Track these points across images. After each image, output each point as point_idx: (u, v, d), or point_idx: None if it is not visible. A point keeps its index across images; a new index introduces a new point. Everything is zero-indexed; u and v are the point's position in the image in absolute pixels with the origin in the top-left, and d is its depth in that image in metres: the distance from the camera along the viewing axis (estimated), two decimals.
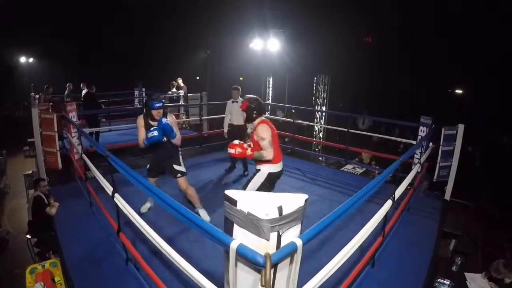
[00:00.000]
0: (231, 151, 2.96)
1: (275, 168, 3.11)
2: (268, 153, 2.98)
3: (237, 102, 5.28)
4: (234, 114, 5.33)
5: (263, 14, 9.46)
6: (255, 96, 3.22)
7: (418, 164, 4.09)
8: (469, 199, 5.84)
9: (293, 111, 9.57)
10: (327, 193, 4.88)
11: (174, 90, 9.60)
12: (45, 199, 4.05)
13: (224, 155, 6.41)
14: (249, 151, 2.97)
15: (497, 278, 3.28)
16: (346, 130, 5.80)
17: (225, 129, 5.45)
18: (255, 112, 3.11)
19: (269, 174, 3.10)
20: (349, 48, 10.27)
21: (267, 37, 9.14)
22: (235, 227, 1.42)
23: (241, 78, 16.21)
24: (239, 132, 5.14)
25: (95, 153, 4.15)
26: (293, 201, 1.42)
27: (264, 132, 3.01)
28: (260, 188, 3.09)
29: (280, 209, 1.34)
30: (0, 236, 5.98)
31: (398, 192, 2.86)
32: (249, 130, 4.26)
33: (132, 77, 11.94)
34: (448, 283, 3.19)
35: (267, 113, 10.06)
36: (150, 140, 3.30)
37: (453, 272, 3.53)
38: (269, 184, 3.14)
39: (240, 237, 1.39)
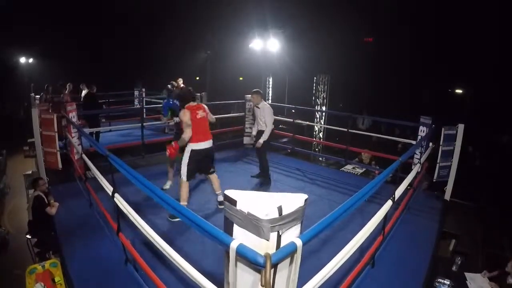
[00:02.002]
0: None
1: (196, 146, 3.73)
2: (185, 134, 3.65)
3: (258, 107, 4.83)
4: (256, 119, 4.98)
5: (263, 14, 9.46)
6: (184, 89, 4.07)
7: (418, 164, 4.09)
8: (469, 199, 5.83)
9: (293, 111, 9.57)
10: (327, 193, 4.88)
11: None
12: (45, 198, 4.05)
13: (224, 155, 6.42)
14: (173, 145, 3.84)
15: (508, 273, 3.30)
16: (346, 130, 5.80)
17: (253, 132, 5.16)
18: (180, 102, 3.93)
19: (192, 151, 3.73)
20: (349, 48, 10.26)
21: (267, 37, 9.14)
22: (235, 227, 1.42)
23: (241, 78, 16.23)
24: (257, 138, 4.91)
25: (95, 153, 4.16)
26: (293, 201, 1.43)
27: (182, 116, 3.67)
28: (189, 164, 3.75)
29: (280, 209, 1.35)
30: (0, 236, 5.98)
31: (398, 192, 2.86)
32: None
33: (132, 77, 11.94)
34: (448, 283, 3.19)
35: None
36: None
37: (453, 272, 3.53)
38: (195, 160, 3.78)
39: (240, 237, 1.39)
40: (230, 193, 1.44)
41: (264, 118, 4.75)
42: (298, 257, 1.41)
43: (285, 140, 8.28)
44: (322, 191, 4.95)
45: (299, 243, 1.38)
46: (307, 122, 8.47)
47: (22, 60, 14.84)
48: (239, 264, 1.39)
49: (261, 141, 4.79)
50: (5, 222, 6.79)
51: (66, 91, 8.76)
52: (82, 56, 13.97)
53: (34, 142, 4.85)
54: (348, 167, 6.39)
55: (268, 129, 4.76)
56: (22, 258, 4.64)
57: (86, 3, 13.08)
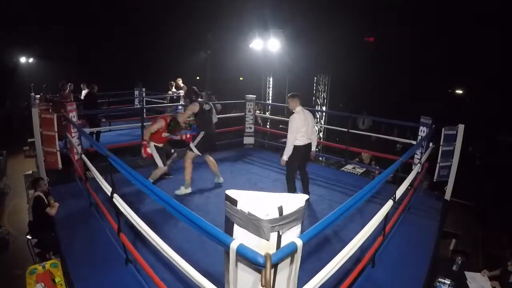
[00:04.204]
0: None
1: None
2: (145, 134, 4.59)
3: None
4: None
5: (263, 14, 9.45)
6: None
7: (419, 164, 4.08)
8: (469, 199, 5.84)
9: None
10: (327, 193, 4.87)
11: (174, 90, 9.60)
12: (45, 199, 4.04)
13: (224, 155, 6.43)
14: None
15: (510, 271, 3.31)
16: (346, 130, 5.80)
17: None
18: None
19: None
20: (349, 48, 10.26)
21: (267, 37, 9.12)
22: (236, 227, 1.42)
23: (241, 78, 16.23)
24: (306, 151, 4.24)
25: (95, 153, 4.16)
26: (294, 201, 1.42)
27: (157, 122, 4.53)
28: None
29: (280, 209, 1.34)
30: (0, 236, 5.98)
31: (399, 192, 2.86)
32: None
33: (132, 77, 11.94)
34: (449, 282, 3.19)
35: (267, 113, 10.07)
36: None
37: (454, 271, 3.53)
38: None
39: (241, 237, 1.39)
40: (231, 193, 1.43)
41: (289, 128, 4.02)
42: (298, 257, 1.41)
43: (284, 140, 8.27)
44: (323, 191, 4.95)
45: (299, 243, 1.38)
46: None
47: (22, 60, 14.83)
48: (239, 264, 1.39)
49: (283, 158, 4.06)
50: (5, 223, 6.78)
51: (67, 91, 8.76)
52: (82, 56, 13.97)
53: (34, 142, 4.85)
54: (348, 167, 6.39)
55: (288, 143, 4.03)
56: (23, 258, 4.63)
57: (86, 3, 13.08)
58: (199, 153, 4.50)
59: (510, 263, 3.41)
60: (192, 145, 4.45)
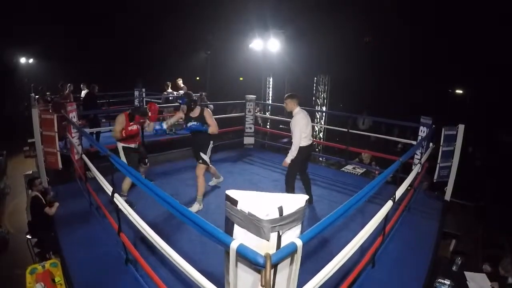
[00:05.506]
0: None
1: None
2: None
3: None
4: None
5: (264, 14, 9.46)
6: None
7: (419, 165, 4.09)
8: (469, 199, 5.84)
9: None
10: (327, 193, 4.88)
11: (169, 90, 9.56)
12: (42, 199, 4.05)
13: (224, 155, 6.43)
14: None
15: (503, 276, 3.30)
16: (346, 130, 5.80)
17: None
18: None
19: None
20: (349, 48, 10.27)
21: (267, 37, 9.12)
22: (236, 227, 1.42)
23: (241, 79, 16.24)
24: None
25: (95, 154, 4.16)
26: (294, 201, 1.43)
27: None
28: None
29: (280, 209, 1.35)
30: (0, 236, 5.98)
31: (399, 193, 2.86)
32: None
33: (132, 77, 11.94)
34: (449, 283, 3.19)
35: (267, 113, 10.08)
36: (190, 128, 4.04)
37: (453, 272, 3.52)
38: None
39: (241, 237, 1.39)
40: (231, 193, 1.44)
41: (293, 130, 3.98)
42: (298, 257, 1.41)
43: (285, 140, 8.28)
44: (323, 191, 4.95)
45: (299, 243, 1.38)
46: None
47: (22, 60, 14.84)
48: (239, 264, 1.39)
49: (287, 160, 4.02)
50: (6, 222, 6.79)
51: (66, 91, 8.76)
52: (82, 56, 13.98)
53: (34, 142, 4.85)
54: (349, 167, 6.39)
55: (294, 145, 3.95)
56: (22, 258, 4.64)
57: (87, 3, 13.09)
58: (210, 164, 4.25)
59: (501, 267, 3.39)
60: (206, 158, 4.12)
